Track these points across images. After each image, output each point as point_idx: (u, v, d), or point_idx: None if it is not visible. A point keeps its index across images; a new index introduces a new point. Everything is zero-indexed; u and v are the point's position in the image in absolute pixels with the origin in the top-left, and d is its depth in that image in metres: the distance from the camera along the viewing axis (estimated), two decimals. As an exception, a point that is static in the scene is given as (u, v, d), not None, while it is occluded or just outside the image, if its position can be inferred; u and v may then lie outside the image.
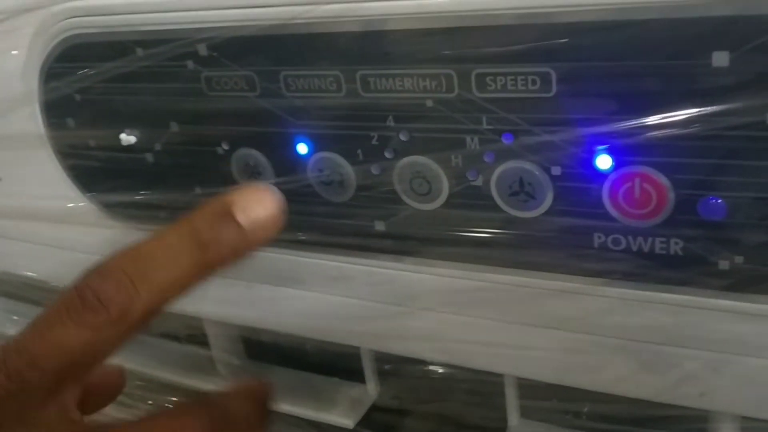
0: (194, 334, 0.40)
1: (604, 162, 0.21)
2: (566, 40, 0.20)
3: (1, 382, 0.20)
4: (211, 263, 0.23)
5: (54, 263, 0.37)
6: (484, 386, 0.30)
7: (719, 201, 0.20)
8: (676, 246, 0.21)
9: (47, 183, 0.34)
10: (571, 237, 0.23)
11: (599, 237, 0.22)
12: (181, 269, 0.22)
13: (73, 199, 0.34)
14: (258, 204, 0.23)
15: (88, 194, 0.33)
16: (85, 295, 0.21)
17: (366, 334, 0.29)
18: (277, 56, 0.25)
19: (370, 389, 0.35)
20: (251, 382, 0.27)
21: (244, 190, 0.23)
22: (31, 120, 0.32)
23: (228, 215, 0.23)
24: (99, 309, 0.21)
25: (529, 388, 0.30)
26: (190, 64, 0.27)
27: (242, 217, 0.23)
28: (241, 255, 0.23)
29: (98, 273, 0.22)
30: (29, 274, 0.40)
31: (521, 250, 0.24)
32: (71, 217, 0.34)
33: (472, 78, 0.22)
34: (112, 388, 0.27)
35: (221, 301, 0.32)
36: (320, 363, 0.38)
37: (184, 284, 0.22)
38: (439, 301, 0.27)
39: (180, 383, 0.41)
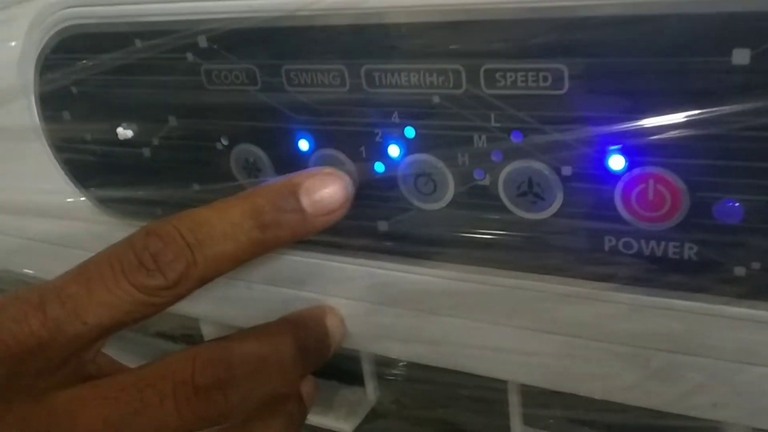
0: (190, 333, 0.40)
1: (616, 162, 0.20)
2: (580, 35, 0.19)
3: (34, 328, 0.20)
4: (268, 243, 0.23)
5: (47, 259, 0.37)
6: (487, 392, 0.29)
7: (736, 204, 0.20)
8: (690, 251, 0.21)
9: (42, 177, 0.33)
10: (581, 240, 0.22)
11: (610, 240, 0.22)
12: (238, 245, 0.22)
13: (68, 194, 0.33)
14: (325, 189, 0.23)
15: (84, 189, 0.32)
16: (143, 256, 0.21)
17: (366, 337, 0.28)
18: (279, 49, 0.24)
19: (370, 393, 0.35)
20: (311, 313, 0.27)
21: (313, 172, 0.24)
22: (27, 112, 0.31)
23: (292, 197, 0.23)
24: (156, 273, 0.21)
25: (533, 396, 0.29)
26: (189, 56, 0.26)
27: (306, 202, 0.23)
28: (300, 238, 0.23)
29: (157, 236, 0.21)
30: (23, 270, 0.39)
31: (529, 252, 0.23)
32: (66, 212, 0.33)
33: (481, 74, 0.21)
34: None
35: (219, 301, 0.32)
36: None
37: (238, 259, 0.22)
38: (443, 304, 0.26)
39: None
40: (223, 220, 0.22)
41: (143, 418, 0.21)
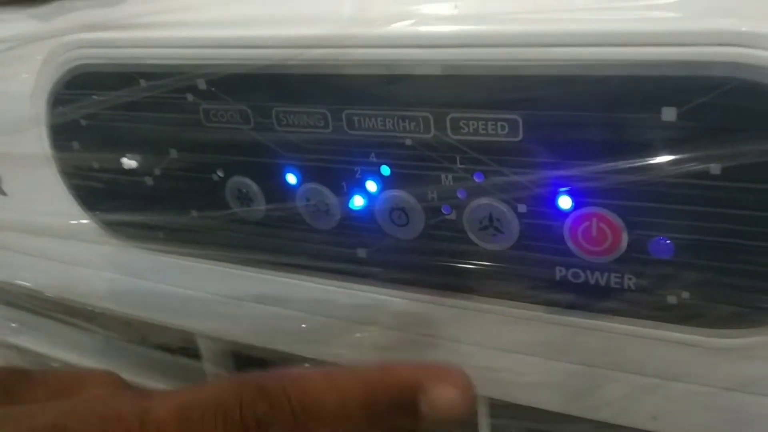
0: (187, 347, 0.42)
1: (565, 202, 0.23)
2: (532, 91, 0.22)
3: None
4: None
5: (55, 276, 0.39)
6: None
7: (668, 241, 0.22)
8: (629, 281, 0.23)
9: (51, 200, 0.35)
10: (536, 269, 0.25)
11: (560, 270, 0.24)
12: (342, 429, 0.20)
13: (75, 217, 0.35)
14: (450, 401, 0.20)
15: (90, 212, 0.35)
16: (247, 417, 0.20)
17: (343, 351, 0.31)
18: (270, 93, 0.27)
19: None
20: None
21: (442, 378, 0.21)
22: (39, 141, 0.34)
23: (412, 404, 0.20)
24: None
25: (500, 408, 0.32)
26: (189, 96, 0.28)
27: (426, 411, 0.20)
28: None
29: (267, 399, 0.20)
30: (31, 285, 0.42)
31: (489, 279, 0.26)
32: (73, 233, 0.36)
33: (447, 121, 0.24)
34: None
35: (213, 318, 0.34)
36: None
37: None
38: (416, 323, 0.29)
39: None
40: (338, 404, 0.20)
41: None
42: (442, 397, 0.20)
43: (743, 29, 0.19)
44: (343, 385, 0.20)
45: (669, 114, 0.20)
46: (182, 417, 0.20)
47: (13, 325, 0.46)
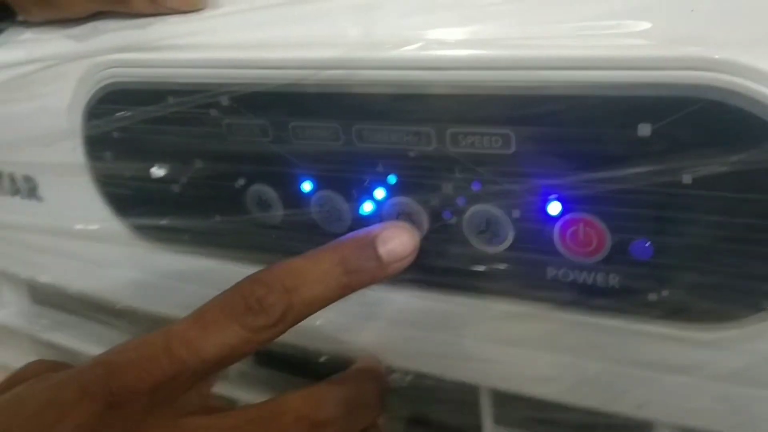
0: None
1: (554, 208, 0.25)
2: (524, 108, 0.24)
3: (164, 366, 0.24)
4: (351, 286, 0.27)
5: (86, 276, 0.42)
6: (457, 394, 0.34)
7: (647, 244, 0.25)
8: (613, 280, 0.26)
9: (85, 206, 0.38)
10: (529, 269, 0.27)
11: (551, 270, 0.27)
12: (328, 289, 0.26)
13: (107, 221, 0.38)
14: (397, 240, 0.27)
15: (121, 217, 0.38)
16: (250, 301, 0.25)
17: (354, 345, 0.33)
18: (287, 109, 0.29)
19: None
20: (373, 364, 0.31)
21: (387, 226, 0.28)
22: (74, 152, 0.36)
23: (371, 247, 0.27)
24: (260, 314, 0.25)
25: (503, 397, 0.34)
26: (213, 112, 0.31)
27: (382, 251, 0.27)
28: (377, 282, 0.27)
29: (262, 283, 0.26)
30: (62, 285, 0.44)
31: (487, 278, 0.28)
32: (104, 236, 0.38)
33: (447, 136, 0.26)
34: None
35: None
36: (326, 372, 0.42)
37: (327, 300, 0.27)
38: (424, 320, 0.31)
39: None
40: (315, 269, 0.26)
41: None
42: (393, 237, 0.27)
43: (710, 56, 0.21)
44: (318, 257, 0.27)
45: (645, 130, 0.23)
46: (199, 323, 0.25)
47: (45, 321, 0.49)
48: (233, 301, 0.25)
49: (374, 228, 0.28)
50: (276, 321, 0.25)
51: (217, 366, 0.25)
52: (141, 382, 0.24)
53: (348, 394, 0.28)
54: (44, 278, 0.44)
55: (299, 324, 0.26)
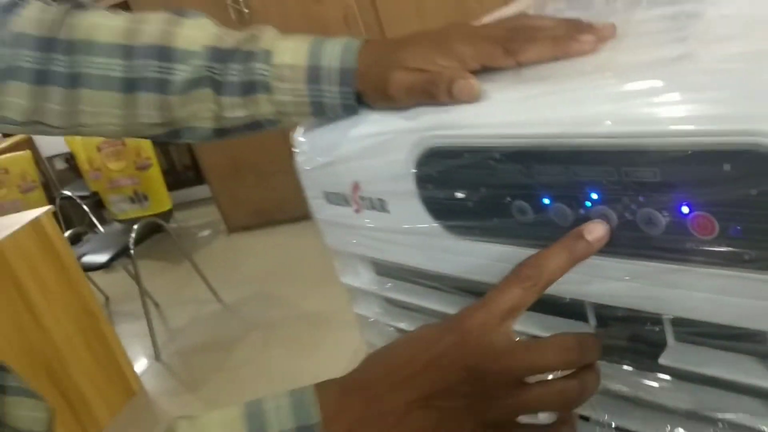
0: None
1: (685, 209, 0.46)
2: (659, 161, 0.45)
3: (480, 318, 0.48)
4: (575, 261, 0.49)
5: (413, 256, 0.68)
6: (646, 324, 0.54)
7: (738, 228, 0.44)
8: (721, 249, 0.45)
9: (415, 215, 0.63)
10: (675, 243, 0.47)
11: (690, 244, 0.47)
12: (563, 265, 0.47)
13: (428, 223, 0.63)
14: (597, 231, 0.48)
15: (437, 221, 0.62)
16: (522, 274, 0.48)
17: (586, 291, 0.55)
18: (536, 159, 0.52)
19: (592, 326, 0.61)
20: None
21: (589, 223, 0.49)
22: (410, 184, 0.62)
23: (582, 237, 0.48)
24: (527, 281, 0.48)
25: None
26: (491, 162, 0.55)
27: (589, 238, 0.48)
28: (588, 257, 0.48)
29: (528, 266, 0.47)
30: (404, 262, 0.71)
31: (660, 248, 0.49)
32: (427, 233, 0.64)
33: (623, 173, 0.47)
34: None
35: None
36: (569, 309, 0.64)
37: (563, 273, 0.47)
38: (623, 275, 0.52)
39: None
40: (554, 255, 0.47)
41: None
42: (594, 229, 0.49)
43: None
44: (557, 248, 0.49)
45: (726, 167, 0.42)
46: (496, 293, 0.49)
47: (388, 285, 0.77)
48: (514, 277, 0.48)
49: (583, 225, 0.49)
50: (533, 284, 0.47)
51: (509, 315, 0.47)
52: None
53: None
54: (387, 257, 0.72)
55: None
